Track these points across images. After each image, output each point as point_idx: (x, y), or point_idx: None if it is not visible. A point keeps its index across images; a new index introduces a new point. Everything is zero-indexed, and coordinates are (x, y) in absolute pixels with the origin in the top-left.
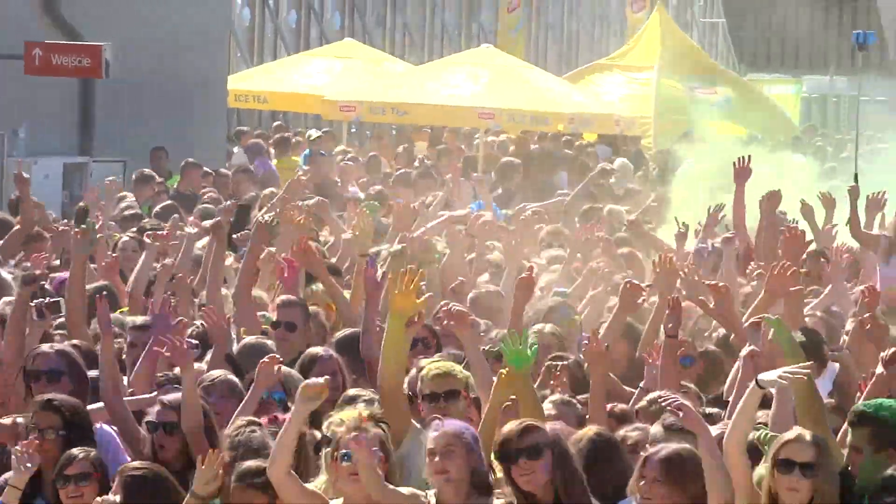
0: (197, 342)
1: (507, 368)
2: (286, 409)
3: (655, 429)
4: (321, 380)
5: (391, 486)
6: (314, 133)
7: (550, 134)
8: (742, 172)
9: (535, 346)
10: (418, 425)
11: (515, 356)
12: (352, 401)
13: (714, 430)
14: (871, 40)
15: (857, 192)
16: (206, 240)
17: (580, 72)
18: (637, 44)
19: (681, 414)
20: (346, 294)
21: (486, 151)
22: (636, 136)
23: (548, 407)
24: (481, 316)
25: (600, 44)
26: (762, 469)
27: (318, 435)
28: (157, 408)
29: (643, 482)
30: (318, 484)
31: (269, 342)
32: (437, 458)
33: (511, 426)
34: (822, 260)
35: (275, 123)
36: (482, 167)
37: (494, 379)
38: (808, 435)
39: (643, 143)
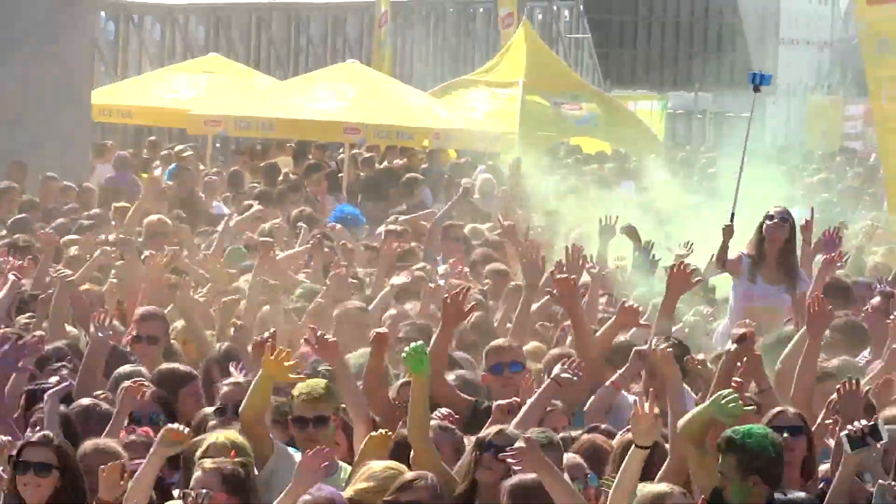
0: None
1: (376, 433)
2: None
3: (518, 445)
4: (185, 428)
5: None
6: (182, 148)
7: (427, 150)
8: (607, 230)
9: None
10: (282, 444)
11: (416, 362)
12: (206, 418)
13: None
14: (766, 81)
15: (732, 232)
16: None
17: (446, 87)
18: (502, 59)
19: (515, 461)
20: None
21: (349, 166)
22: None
23: None
24: (347, 332)
25: (467, 59)
26: None
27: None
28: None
29: None
30: None
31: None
32: None
33: (401, 480)
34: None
35: (150, 138)
36: (346, 182)
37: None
38: (677, 490)
39: (507, 158)
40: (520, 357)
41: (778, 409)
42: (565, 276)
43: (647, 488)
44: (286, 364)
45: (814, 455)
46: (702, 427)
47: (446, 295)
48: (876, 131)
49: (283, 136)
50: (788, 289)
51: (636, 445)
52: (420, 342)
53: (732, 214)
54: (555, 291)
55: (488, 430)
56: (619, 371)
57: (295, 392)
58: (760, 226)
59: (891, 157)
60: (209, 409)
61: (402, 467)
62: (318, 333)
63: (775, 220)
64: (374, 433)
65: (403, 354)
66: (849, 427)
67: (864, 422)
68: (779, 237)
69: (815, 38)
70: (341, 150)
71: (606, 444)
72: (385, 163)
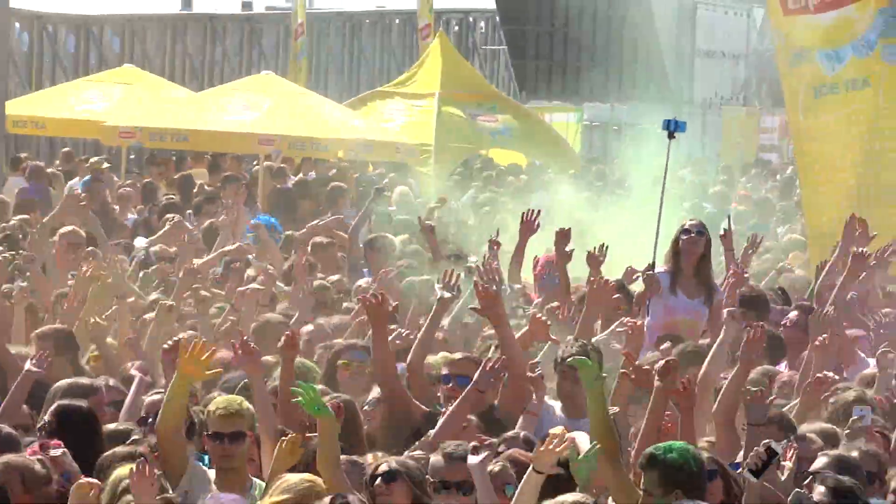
0: None
1: (286, 438)
2: None
3: (435, 458)
4: (94, 482)
5: None
6: (98, 160)
7: (353, 163)
8: (528, 227)
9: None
10: (196, 462)
11: (311, 407)
12: (117, 435)
13: None
14: (681, 128)
15: (656, 283)
16: None
17: (362, 98)
18: (418, 70)
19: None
20: None
21: (264, 178)
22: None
23: None
24: (265, 345)
25: (383, 71)
26: None
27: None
28: None
29: None
30: None
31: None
32: None
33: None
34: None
35: (64, 150)
36: (261, 194)
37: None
38: (590, 500)
39: (423, 170)
40: (471, 372)
41: None
42: (486, 287)
43: (560, 498)
44: (202, 361)
45: (732, 499)
46: (603, 429)
47: (362, 297)
48: (792, 143)
49: (198, 148)
50: (706, 301)
51: (534, 470)
52: (308, 385)
53: (653, 264)
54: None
55: (370, 467)
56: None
57: (211, 407)
58: (676, 240)
59: (807, 169)
60: (111, 426)
61: (318, 479)
62: (244, 340)
63: (692, 235)
64: (284, 438)
65: (295, 400)
66: (747, 462)
67: (759, 449)
68: (695, 251)
69: (730, 49)
70: (256, 162)
71: (525, 457)
72: (301, 174)
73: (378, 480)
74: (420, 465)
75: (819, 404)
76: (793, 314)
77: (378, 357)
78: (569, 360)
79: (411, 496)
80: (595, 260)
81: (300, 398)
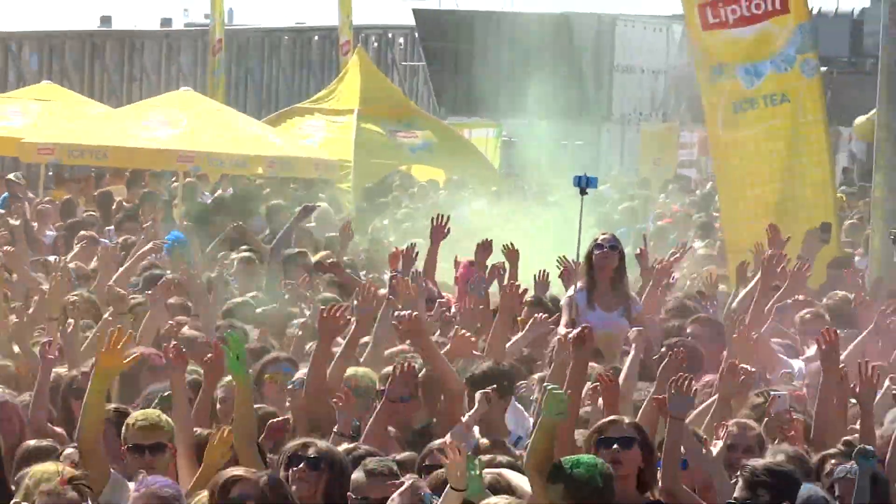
0: None
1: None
2: None
3: (357, 474)
4: None
5: None
6: (15, 176)
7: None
8: (438, 230)
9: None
10: (119, 474)
11: (233, 364)
12: (38, 452)
13: None
14: (592, 184)
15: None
16: None
17: (281, 115)
18: (337, 87)
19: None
20: None
21: (182, 195)
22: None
23: None
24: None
25: (302, 87)
26: None
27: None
28: None
29: None
30: None
31: None
32: None
33: (219, 478)
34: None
35: None
36: (178, 210)
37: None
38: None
39: (342, 186)
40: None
41: (612, 417)
42: (407, 314)
43: (492, 500)
44: (119, 350)
45: (652, 466)
46: (544, 448)
47: (323, 308)
48: (712, 158)
49: (117, 165)
50: (623, 313)
51: (451, 488)
52: (239, 333)
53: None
54: (400, 327)
55: (293, 444)
56: (469, 413)
57: (130, 420)
58: (589, 255)
59: (726, 184)
60: (32, 443)
61: None
62: (177, 346)
63: (605, 249)
64: (213, 432)
65: (229, 361)
66: None
67: None
68: (609, 266)
69: (649, 65)
70: (175, 179)
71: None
72: (220, 191)
73: (302, 464)
74: (345, 458)
75: (734, 394)
76: (690, 329)
77: (313, 374)
78: (547, 386)
79: (328, 488)
80: (512, 254)
81: (227, 345)
